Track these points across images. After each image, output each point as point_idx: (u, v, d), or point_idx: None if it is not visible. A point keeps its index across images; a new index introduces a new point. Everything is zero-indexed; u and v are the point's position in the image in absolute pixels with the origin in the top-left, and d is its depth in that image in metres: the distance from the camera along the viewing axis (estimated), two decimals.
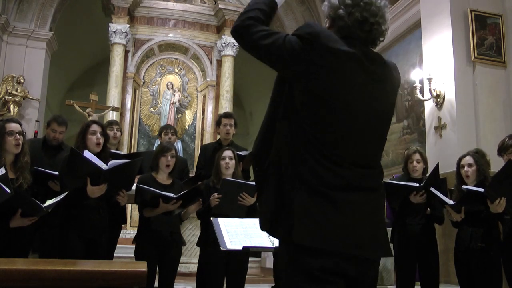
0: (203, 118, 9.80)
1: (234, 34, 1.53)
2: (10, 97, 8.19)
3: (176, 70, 9.99)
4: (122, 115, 9.16)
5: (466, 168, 3.28)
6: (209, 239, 3.09)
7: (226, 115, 4.30)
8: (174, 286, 3.38)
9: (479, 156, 3.39)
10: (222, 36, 9.68)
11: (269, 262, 7.06)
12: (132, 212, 7.84)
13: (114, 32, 9.12)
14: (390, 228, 3.59)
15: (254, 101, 13.54)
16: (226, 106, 9.35)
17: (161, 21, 9.77)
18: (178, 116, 9.68)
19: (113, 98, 8.95)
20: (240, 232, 2.59)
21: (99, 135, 2.99)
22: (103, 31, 9.45)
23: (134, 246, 3.36)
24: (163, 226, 3.25)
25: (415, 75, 5.87)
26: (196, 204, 3.34)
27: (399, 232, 3.53)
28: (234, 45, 9.61)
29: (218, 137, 4.46)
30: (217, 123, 4.37)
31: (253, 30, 1.46)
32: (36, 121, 8.39)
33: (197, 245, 3.46)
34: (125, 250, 5.22)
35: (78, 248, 2.86)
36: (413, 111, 6.73)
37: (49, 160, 3.57)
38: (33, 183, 2.91)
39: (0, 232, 2.62)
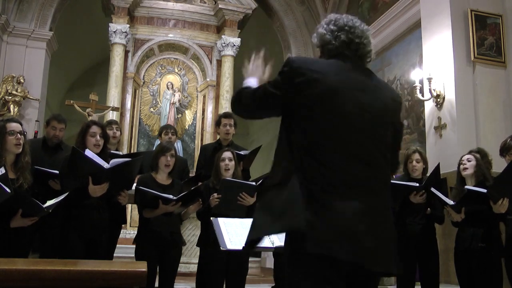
0: (203, 118, 9.80)
1: (236, 111, 1.74)
2: (10, 97, 8.18)
3: (176, 70, 9.98)
4: (122, 115, 9.15)
5: (464, 161, 3.31)
6: (209, 239, 3.09)
7: (226, 115, 4.30)
8: (174, 286, 3.38)
9: (480, 155, 3.39)
10: (222, 36, 9.68)
11: (269, 262, 7.06)
12: (132, 212, 7.83)
13: (114, 32, 9.12)
14: None
15: None
16: (226, 106, 9.35)
17: (161, 21, 9.76)
18: (178, 116, 9.68)
19: (113, 98, 8.95)
20: (240, 232, 2.59)
21: (98, 137, 2.99)
22: (103, 31, 9.45)
23: (134, 246, 3.36)
24: (163, 226, 3.25)
25: (415, 75, 5.87)
26: (196, 204, 3.34)
27: (399, 232, 3.51)
28: (234, 45, 9.62)
29: (218, 137, 4.46)
30: (217, 123, 4.37)
31: (241, 100, 1.66)
32: (36, 121, 8.38)
33: (197, 245, 3.46)
34: (125, 250, 5.22)
35: (78, 248, 2.86)
36: (413, 111, 6.73)
37: (49, 160, 3.57)
38: (34, 183, 2.91)
39: (1, 232, 2.62)
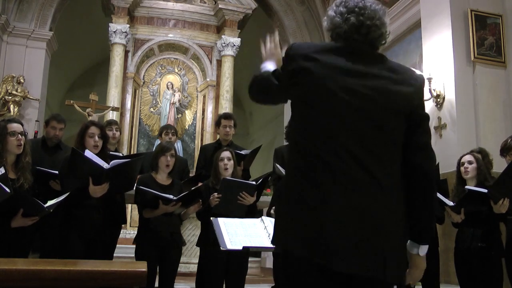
0: (203, 118, 9.80)
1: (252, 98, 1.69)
2: (10, 97, 8.18)
3: (176, 70, 9.98)
4: (122, 115, 9.15)
5: (465, 164, 3.29)
6: (209, 239, 3.09)
7: (226, 116, 4.31)
8: (174, 286, 3.38)
9: (481, 155, 3.39)
10: (222, 36, 9.68)
11: (269, 262, 7.06)
12: (132, 212, 7.83)
13: (114, 32, 9.12)
14: None
15: (254, 101, 13.50)
16: (226, 106, 9.35)
17: (161, 21, 9.76)
18: (178, 116, 9.68)
19: (113, 98, 8.95)
20: (240, 232, 2.59)
21: (97, 138, 3.00)
22: (103, 31, 9.45)
23: (134, 246, 3.36)
24: (163, 226, 3.25)
25: None
26: (196, 205, 3.34)
27: None
28: (234, 45, 9.62)
29: (218, 137, 4.46)
30: (217, 123, 4.38)
31: (253, 86, 1.63)
32: (36, 121, 8.38)
33: (197, 245, 3.46)
34: (125, 250, 5.22)
35: (78, 248, 2.86)
36: None
37: (48, 160, 3.57)
38: (35, 183, 2.91)
39: (1, 232, 2.62)
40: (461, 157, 3.39)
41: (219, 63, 9.78)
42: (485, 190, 3.02)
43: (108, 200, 3.04)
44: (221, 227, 2.64)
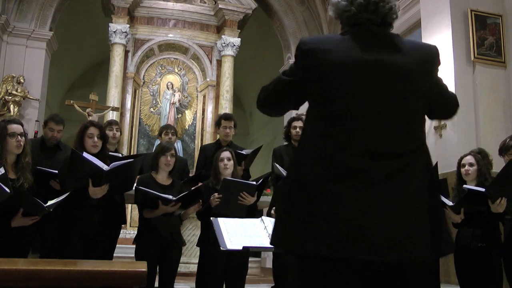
0: (203, 118, 9.80)
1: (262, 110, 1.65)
2: (10, 97, 8.18)
3: (176, 70, 9.98)
4: (122, 115, 9.15)
5: (466, 167, 3.28)
6: (209, 239, 3.09)
7: (226, 117, 4.31)
8: (174, 286, 3.38)
9: (481, 156, 3.38)
10: (222, 36, 9.68)
11: (269, 262, 7.05)
12: (132, 212, 7.83)
13: (114, 32, 9.12)
14: None
15: (254, 101, 13.36)
16: (226, 106, 9.35)
17: (161, 21, 9.76)
18: (178, 116, 9.68)
19: (113, 98, 8.95)
20: (240, 232, 2.59)
21: (96, 139, 2.99)
22: (103, 31, 9.45)
23: (134, 246, 3.36)
24: (163, 226, 3.25)
25: None
26: (195, 205, 3.35)
27: None
28: (234, 45, 9.62)
29: (218, 137, 4.46)
30: (217, 123, 4.38)
31: (260, 95, 1.58)
32: (36, 121, 8.38)
33: (197, 245, 3.46)
34: (125, 250, 5.22)
35: (78, 248, 2.87)
36: None
37: (47, 160, 3.56)
38: (35, 183, 2.91)
39: (1, 231, 2.62)
40: (461, 158, 3.38)
41: (219, 63, 9.78)
42: (483, 189, 3.02)
43: (108, 200, 3.04)
44: (221, 227, 2.64)
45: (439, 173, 3.49)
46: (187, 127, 9.81)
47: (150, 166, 3.45)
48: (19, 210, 2.60)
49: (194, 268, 4.13)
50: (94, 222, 2.97)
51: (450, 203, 3.20)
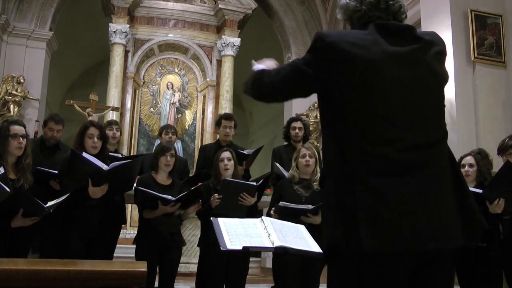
0: (203, 118, 9.79)
1: (256, 96, 1.59)
2: (10, 97, 8.18)
3: (176, 70, 9.98)
4: (122, 115, 9.15)
5: (466, 168, 3.28)
6: (210, 239, 3.09)
7: (227, 117, 4.31)
8: (174, 286, 3.38)
9: (481, 156, 3.38)
10: (222, 36, 9.67)
11: (269, 262, 7.05)
12: (132, 212, 7.83)
13: (114, 32, 9.12)
14: None
15: (254, 101, 13.45)
16: (226, 106, 9.35)
17: (161, 21, 9.76)
18: (178, 116, 9.68)
19: (113, 98, 8.95)
20: (240, 232, 2.59)
21: (96, 139, 3.00)
22: (103, 31, 9.45)
23: (134, 246, 3.36)
24: (163, 226, 3.25)
25: None
26: (195, 205, 3.34)
27: None
28: (234, 45, 9.62)
29: (218, 137, 4.47)
30: (217, 123, 4.38)
31: (262, 79, 1.49)
32: (36, 121, 8.38)
33: (198, 245, 3.46)
34: (125, 250, 5.22)
35: (78, 248, 2.87)
36: None
37: (47, 160, 3.56)
38: (35, 183, 2.91)
39: (1, 232, 2.62)
40: (461, 158, 3.37)
41: (219, 63, 9.78)
42: (480, 191, 3.02)
43: (108, 200, 3.04)
44: (221, 227, 2.63)
45: None
46: (187, 127, 9.81)
47: (150, 166, 3.45)
48: (19, 210, 2.60)
49: (194, 268, 4.13)
50: (94, 222, 2.97)
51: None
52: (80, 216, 2.93)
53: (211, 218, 2.77)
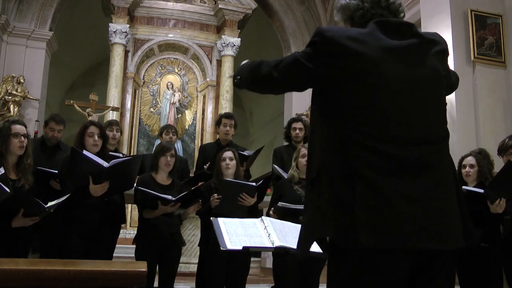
0: (203, 118, 9.80)
1: (249, 86, 1.57)
2: (10, 97, 8.18)
3: (176, 70, 9.98)
4: (122, 115, 9.15)
5: (467, 168, 3.28)
6: (210, 239, 3.09)
7: (227, 116, 4.31)
8: (174, 286, 3.38)
9: (482, 156, 3.38)
10: (222, 36, 9.67)
11: (269, 262, 7.05)
12: (132, 212, 7.83)
13: (114, 32, 9.12)
14: None
15: (254, 101, 13.54)
16: (226, 106, 9.35)
17: (161, 21, 9.76)
18: (178, 116, 9.68)
19: (113, 98, 8.95)
20: (240, 232, 2.59)
21: (96, 137, 3.00)
22: (103, 31, 9.45)
23: (134, 246, 3.35)
24: (163, 226, 3.25)
25: None
26: (195, 205, 3.34)
27: None
28: (234, 45, 9.62)
29: (218, 136, 4.47)
30: (217, 122, 4.38)
31: (261, 69, 1.47)
32: (36, 121, 8.39)
33: (198, 245, 3.46)
34: (125, 250, 5.22)
35: (78, 248, 2.87)
36: None
37: (47, 160, 3.57)
38: (35, 183, 2.91)
39: (1, 232, 2.62)
40: (462, 158, 3.36)
41: (219, 63, 9.78)
42: (482, 191, 3.02)
43: (108, 200, 3.04)
44: (221, 227, 2.63)
45: None
46: (187, 127, 9.81)
47: (150, 166, 3.45)
48: (20, 210, 2.60)
49: (194, 268, 4.13)
50: (94, 222, 2.97)
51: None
52: (80, 215, 2.93)
53: (211, 218, 2.77)
